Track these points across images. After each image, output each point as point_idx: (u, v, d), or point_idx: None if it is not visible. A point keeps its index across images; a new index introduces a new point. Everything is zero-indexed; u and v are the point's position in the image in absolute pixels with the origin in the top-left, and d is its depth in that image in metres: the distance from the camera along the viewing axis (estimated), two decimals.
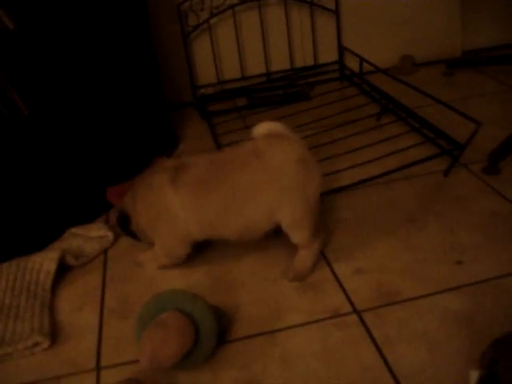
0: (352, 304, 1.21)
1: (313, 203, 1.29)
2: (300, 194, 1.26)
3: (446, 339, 1.09)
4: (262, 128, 1.30)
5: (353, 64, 2.35)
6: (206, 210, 1.28)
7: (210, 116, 2.20)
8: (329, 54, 2.41)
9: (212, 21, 2.27)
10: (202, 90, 2.35)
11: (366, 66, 2.21)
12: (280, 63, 2.39)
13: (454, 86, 2.27)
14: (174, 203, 1.29)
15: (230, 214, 1.28)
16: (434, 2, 2.41)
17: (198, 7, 2.23)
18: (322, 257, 1.37)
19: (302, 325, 1.18)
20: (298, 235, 1.32)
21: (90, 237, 1.53)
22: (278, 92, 2.32)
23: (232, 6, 2.24)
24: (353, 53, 2.29)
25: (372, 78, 2.21)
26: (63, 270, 1.44)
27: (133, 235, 1.45)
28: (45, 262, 1.39)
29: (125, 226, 1.42)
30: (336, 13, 2.34)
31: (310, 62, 2.41)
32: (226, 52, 2.34)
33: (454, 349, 1.07)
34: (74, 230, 1.56)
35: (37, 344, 1.20)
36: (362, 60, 2.21)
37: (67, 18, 1.64)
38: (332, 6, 2.32)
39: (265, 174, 1.25)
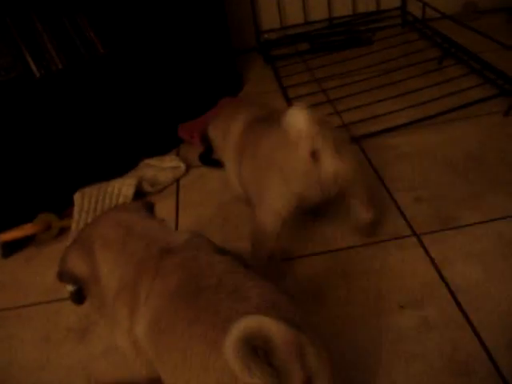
0: (411, 228, 1.29)
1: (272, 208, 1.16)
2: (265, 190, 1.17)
3: (500, 260, 1.16)
4: (292, 118, 1.10)
5: (415, 10, 2.35)
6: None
7: (274, 60, 2.27)
8: (391, 0, 2.42)
9: None
10: (266, 35, 2.41)
11: (429, 13, 2.22)
12: (342, 9, 2.42)
13: None
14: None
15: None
16: None
17: None
18: (383, 186, 1.44)
19: (361, 245, 1.26)
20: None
21: (164, 167, 1.63)
22: (340, 37, 2.36)
23: None
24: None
25: (434, 25, 2.22)
26: (139, 196, 1.55)
27: (210, 161, 1.60)
28: (123, 187, 1.51)
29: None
30: None
31: (372, 7, 2.43)
32: None
33: (507, 268, 1.14)
34: (147, 160, 1.67)
35: None
36: (424, 5, 2.22)
37: None
38: None
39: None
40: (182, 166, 1.63)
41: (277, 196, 1.14)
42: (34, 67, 1.62)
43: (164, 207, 1.51)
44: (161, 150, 1.76)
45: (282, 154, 1.13)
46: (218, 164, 1.58)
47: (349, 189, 1.15)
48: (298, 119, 1.09)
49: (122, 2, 1.70)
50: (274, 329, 0.65)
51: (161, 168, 1.63)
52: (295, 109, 1.09)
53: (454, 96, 1.74)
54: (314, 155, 1.10)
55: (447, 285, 1.12)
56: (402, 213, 1.34)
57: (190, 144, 1.79)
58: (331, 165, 1.10)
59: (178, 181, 1.62)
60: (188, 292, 0.79)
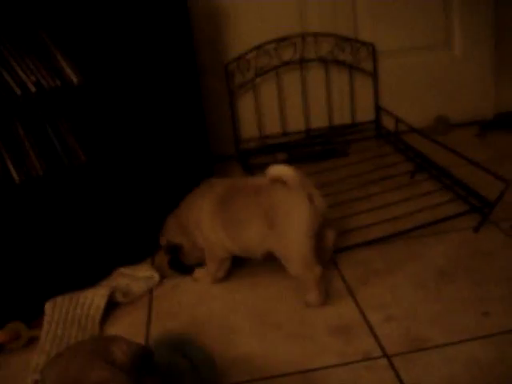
0: (382, 348, 1.29)
1: (299, 239, 1.44)
2: (286, 230, 1.45)
3: None
4: (275, 170, 1.46)
5: (389, 123, 2.45)
6: (223, 225, 1.54)
7: (252, 169, 2.32)
8: (366, 114, 2.53)
9: (256, 80, 2.43)
10: (245, 145, 2.48)
11: (402, 126, 2.32)
12: (319, 121, 2.52)
13: (485, 147, 2.35)
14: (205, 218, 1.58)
15: (234, 233, 1.53)
16: (469, 65, 2.53)
17: (244, 67, 2.38)
18: (355, 304, 1.45)
19: (333, 366, 1.25)
20: (289, 266, 1.48)
21: (137, 276, 1.63)
22: (317, 148, 2.44)
23: (276, 67, 2.40)
24: (389, 113, 2.41)
25: (407, 138, 2.31)
26: (111, 306, 1.54)
27: (180, 267, 1.65)
28: (95, 298, 1.51)
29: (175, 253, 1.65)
30: (374, 75, 2.47)
31: (347, 120, 2.54)
32: (269, 109, 2.48)
33: None
34: (122, 269, 1.67)
35: None
36: (397, 120, 2.32)
37: (125, 75, 1.79)
38: (370, 68, 2.46)
39: (257, 207, 1.48)
40: (156, 276, 1.64)
41: (302, 230, 1.43)
42: (14, 172, 1.65)
43: (136, 318, 1.50)
44: (135, 258, 1.76)
45: (288, 203, 1.44)
46: (188, 269, 1.66)
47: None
48: (284, 170, 1.45)
49: (106, 115, 1.76)
50: None
51: (134, 277, 1.63)
52: (275, 166, 1.47)
53: (425, 211, 1.79)
54: (310, 197, 1.43)
55: None
56: (372, 332, 1.34)
57: None
58: (321, 203, 1.45)
59: (151, 291, 1.62)
60: None
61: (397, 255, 1.64)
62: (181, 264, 1.67)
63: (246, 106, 2.47)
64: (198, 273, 1.65)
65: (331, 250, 1.57)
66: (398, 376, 1.20)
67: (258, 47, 2.36)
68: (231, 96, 2.42)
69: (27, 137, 1.69)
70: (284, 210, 1.44)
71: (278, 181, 1.45)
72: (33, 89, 1.65)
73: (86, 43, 1.73)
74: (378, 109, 2.52)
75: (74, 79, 1.71)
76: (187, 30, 2.01)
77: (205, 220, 1.58)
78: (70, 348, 1.08)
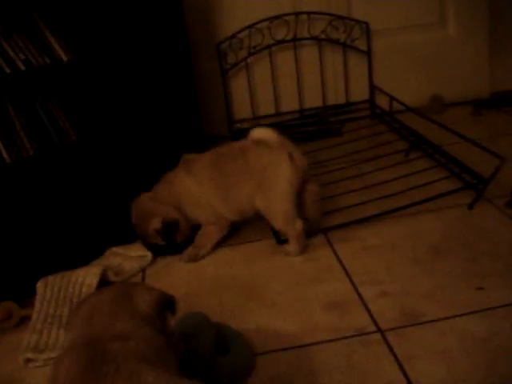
0: (376, 324, 1.28)
1: (281, 196, 1.56)
2: (267, 188, 1.57)
3: (465, 358, 1.15)
4: (257, 133, 1.61)
5: (383, 103, 2.44)
6: (214, 190, 1.62)
7: None
8: (360, 93, 2.51)
9: (249, 59, 2.40)
10: (238, 125, 2.47)
11: (396, 106, 2.31)
12: (313, 101, 2.50)
13: (480, 126, 2.34)
14: (192, 188, 1.65)
15: (228, 196, 1.62)
16: (464, 44, 2.50)
17: (236, 46, 2.36)
18: (349, 280, 1.44)
19: (327, 341, 1.25)
20: (273, 222, 1.61)
21: (130, 256, 1.62)
22: (311, 128, 2.42)
23: (269, 46, 2.38)
24: (383, 92, 2.40)
25: (402, 117, 2.30)
26: (104, 285, 1.53)
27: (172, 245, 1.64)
28: (87, 276, 1.49)
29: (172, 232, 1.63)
30: (368, 54, 2.45)
31: (341, 100, 2.52)
32: (262, 89, 2.46)
33: (472, 367, 1.12)
34: (114, 249, 1.66)
35: None
36: (391, 99, 2.31)
37: (115, 53, 1.77)
38: (364, 47, 2.44)
39: (245, 168, 1.58)
40: (149, 255, 1.63)
41: (283, 187, 1.55)
42: (4, 152, 1.63)
43: None
44: (128, 239, 1.74)
45: (271, 162, 1.56)
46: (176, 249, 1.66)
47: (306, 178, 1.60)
48: (265, 132, 1.60)
49: (98, 94, 1.74)
50: None
51: (127, 257, 1.62)
52: (257, 128, 1.66)
53: (420, 189, 1.78)
54: (291, 156, 1.55)
55: None
56: (366, 307, 1.34)
57: None
58: (302, 161, 1.58)
59: (143, 270, 1.61)
60: None
61: (391, 232, 1.63)
62: (173, 244, 1.65)
63: (238, 86, 2.45)
64: (192, 250, 1.65)
65: (318, 204, 1.65)
66: (391, 350, 1.19)
67: (251, 26, 2.33)
68: (224, 76, 2.39)
69: (17, 116, 1.67)
70: (268, 168, 1.56)
71: (261, 142, 1.58)
72: (22, 67, 1.63)
73: (75, 20, 1.71)
74: (372, 88, 2.50)
75: (64, 57, 1.69)
76: (178, 8, 1.98)
77: (197, 190, 1.63)
78: (94, 295, 1.06)
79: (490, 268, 1.41)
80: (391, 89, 2.40)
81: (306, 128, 2.42)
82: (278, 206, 1.57)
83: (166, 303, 1.04)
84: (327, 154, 2.15)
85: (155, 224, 1.63)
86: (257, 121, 2.47)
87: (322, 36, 2.40)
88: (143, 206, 1.66)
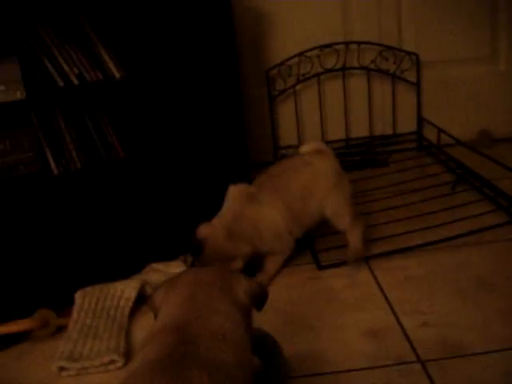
0: (416, 354, 1.24)
1: (348, 197, 1.67)
2: (338, 190, 1.65)
3: None
4: (309, 146, 1.75)
5: (431, 136, 2.41)
6: (288, 212, 1.62)
7: None
8: (408, 125, 2.48)
9: (298, 87, 2.41)
10: (283, 151, 2.46)
11: (444, 140, 2.28)
12: (359, 130, 2.48)
13: None
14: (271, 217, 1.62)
15: (298, 212, 1.63)
16: None
17: (285, 73, 2.37)
18: (390, 308, 1.41)
19: (365, 369, 1.21)
20: (341, 221, 1.65)
21: (169, 272, 1.62)
22: (356, 157, 2.40)
23: (318, 74, 2.38)
24: (432, 124, 2.36)
25: (449, 151, 2.26)
26: (143, 300, 1.53)
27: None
28: (126, 290, 1.50)
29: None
30: (417, 85, 2.43)
31: (388, 131, 2.49)
32: (309, 117, 2.45)
33: None
34: (154, 265, 1.67)
35: (112, 362, 1.30)
36: (440, 131, 2.28)
37: (167, 73, 1.80)
38: (413, 78, 2.42)
39: (314, 177, 1.65)
40: None
41: (349, 187, 1.71)
42: (53, 164, 1.67)
43: None
44: (168, 256, 1.75)
45: (334, 168, 1.71)
46: None
47: None
48: (315, 144, 1.78)
49: (143, 110, 1.76)
50: None
51: (166, 273, 1.61)
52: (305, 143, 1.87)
53: (466, 221, 1.74)
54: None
55: None
56: (407, 337, 1.30)
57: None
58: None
59: None
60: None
61: (435, 263, 1.59)
62: None
63: (285, 113, 2.45)
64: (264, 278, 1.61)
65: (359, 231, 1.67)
66: (432, 381, 1.15)
67: (301, 54, 2.34)
68: (271, 102, 2.40)
69: (68, 129, 1.71)
70: (333, 173, 1.68)
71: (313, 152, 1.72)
72: (75, 81, 1.67)
73: (130, 38, 1.75)
74: (421, 120, 2.47)
75: (117, 74, 1.73)
76: (230, 33, 2.01)
77: (276, 217, 1.62)
78: (191, 274, 1.03)
79: None
80: (439, 122, 2.36)
81: (351, 157, 2.40)
82: (347, 207, 1.66)
83: (260, 297, 1.00)
84: (373, 183, 2.12)
85: (237, 265, 1.58)
86: None
87: (372, 66, 2.39)
88: (219, 245, 1.57)
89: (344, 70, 2.39)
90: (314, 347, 1.30)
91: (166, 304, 0.94)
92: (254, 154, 2.31)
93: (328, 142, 2.40)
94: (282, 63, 2.35)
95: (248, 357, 0.90)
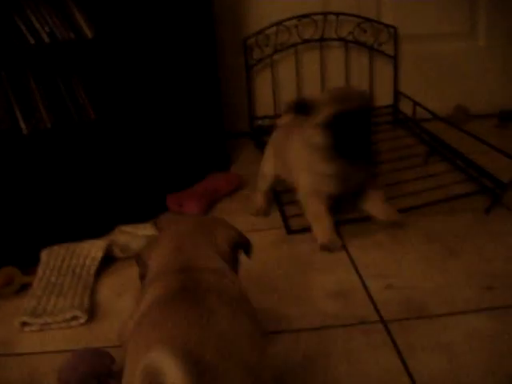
0: (379, 314, 1.25)
1: None
2: None
3: (467, 353, 1.11)
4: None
5: (407, 109, 2.41)
6: None
7: (264, 145, 2.29)
8: (384, 98, 2.48)
9: (275, 57, 2.40)
10: (260, 122, 2.46)
11: (420, 114, 2.28)
12: None
13: (504, 138, 2.29)
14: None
15: None
16: (492, 56, 2.47)
17: (263, 43, 2.36)
18: (356, 272, 1.42)
19: (327, 327, 1.22)
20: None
21: (138, 234, 1.61)
22: None
23: (295, 45, 2.37)
24: (408, 97, 2.37)
25: (425, 125, 2.26)
26: (109, 261, 1.53)
27: None
28: (92, 249, 1.49)
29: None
30: (394, 58, 2.43)
31: None
32: (286, 87, 2.45)
33: (474, 362, 1.09)
34: (123, 227, 1.65)
35: (74, 318, 1.29)
36: (415, 104, 2.28)
37: (140, 35, 1.77)
38: (391, 51, 2.42)
39: None
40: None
41: None
42: (22, 123, 1.64)
43: (131, 273, 1.47)
44: (140, 218, 1.74)
45: None
46: None
47: None
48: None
49: (116, 71, 1.74)
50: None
51: (134, 235, 1.61)
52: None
53: (436, 190, 1.75)
54: None
55: (410, 374, 1.07)
56: (371, 298, 1.30)
57: (178, 213, 1.81)
58: None
59: None
60: None
61: (404, 230, 1.60)
62: None
63: (262, 83, 2.44)
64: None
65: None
66: (392, 340, 1.16)
67: (279, 23, 2.32)
68: (248, 71, 2.39)
69: (38, 89, 1.68)
70: None
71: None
72: (46, 39, 1.64)
73: None
74: (397, 93, 2.47)
75: (89, 33, 1.70)
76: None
77: None
78: (174, 226, 1.01)
79: (502, 269, 1.38)
80: (416, 96, 2.36)
81: None
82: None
83: (242, 245, 1.01)
84: None
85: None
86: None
87: (350, 38, 2.38)
88: None
89: (322, 41, 2.39)
90: (278, 307, 1.30)
91: (155, 257, 0.94)
92: (230, 124, 2.31)
93: None
94: (259, 32, 2.34)
95: (246, 293, 0.91)
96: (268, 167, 1.78)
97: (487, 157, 1.82)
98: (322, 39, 2.38)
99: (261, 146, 2.28)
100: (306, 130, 1.50)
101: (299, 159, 1.58)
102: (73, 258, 1.47)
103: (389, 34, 2.40)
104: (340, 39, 2.39)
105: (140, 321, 0.79)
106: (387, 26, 2.39)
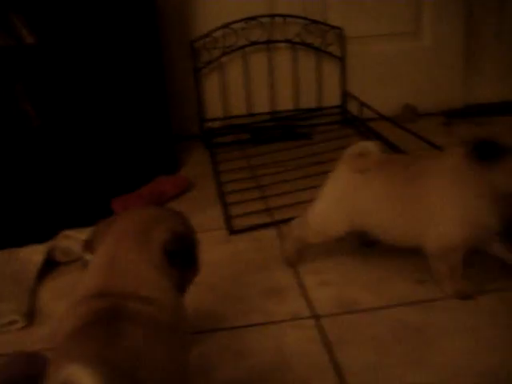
0: (312, 310, 1.28)
1: None
2: None
3: (395, 345, 1.14)
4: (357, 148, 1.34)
5: (355, 110, 2.45)
6: None
7: (214, 147, 2.32)
8: (332, 98, 2.52)
9: (223, 59, 2.42)
10: (210, 124, 2.48)
11: (368, 113, 2.33)
12: (285, 103, 2.52)
13: (450, 136, 2.34)
14: None
15: None
16: (438, 55, 2.53)
17: (210, 45, 2.38)
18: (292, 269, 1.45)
19: (260, 324, 1.25)
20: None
21: (81, 239, 1.62)
22: (280, 130, 2.45)
23: (243, 47, 2.40)
24: (355, 98, 2.41)
25: (373, 125, 2.31)
26: (52, 266, 1.54)
27: None
28: (33, 254, 1.49)
29: None
30: (341, 60, 2.47)
31: (313, 104, 2.53)
32: (234, 89, 2.47)
33: (402, 354, 1.12)
34: (67, 232, 1.66)
35: (13, 322, 1.29)
36: (362, 104, 2.33)
37: (82, 40, 1.78)
38: (338, 53, 2.46)
39: None
40: None
41: None
42: None
43: (73, 278, 1.49)
44: (85, 223, 1.74)
45: None
46: None
47: None
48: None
49: (58, 77, 1.75)
50: None
51: (77, 239, 1.61)
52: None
53: None
54: None
55: (337, 366, 1.10)
56: (305, 295, 1.33)
57: None
58: None
59: None
60: None
61: None
62: None
63: (211, 85, 2.47)
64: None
65: None
66: (323, 335, 1.19)
67: (226, 26, 2.35)
68: (196, 74, 2.41)
69: None
70: None
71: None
72: None
73: (42, 3, 1.72)
74: (345, 94, 2.52)
75: (29, 39, 1.70)
76: (151, 3, 2.00)
77: None
78: (120, 220, 0.97)
79: None
80: (364, 96, 2.41)
81: (275, 130, 2.43)
82: None
83: (179, 254, 0.93)
84: (293, 154, 2.16)
85: None
86: (228, 121, 2.48)
87: (297, 39, 2.42)
88: None
89: (269, 43, 2.42)
90: (214, 306, 1.33)
91: (91, 266, 0.92)
92: (180, 127, 2.33)
93: (254, 115, 2.44)
94: (207, 35, 2.36)
95: (181, 317, 0.90)
96: (326, 215, 1.39)
97: None
98: (269, 41, 2.41)
99: (210, 147, 2.32)
100: (495, 178, 1.20)
101: (451, 208, 1.24)
102: (13, 263, 1.48)
103: (335, 35, 2.44)
104: (287, 41, 2.42)
105: (61, 340, 0.81)
106: (333, 27, 2.43)
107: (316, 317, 1.25)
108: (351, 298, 1.31)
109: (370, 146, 1.34)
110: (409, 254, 1.45)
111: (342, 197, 1.36)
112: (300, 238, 1.43)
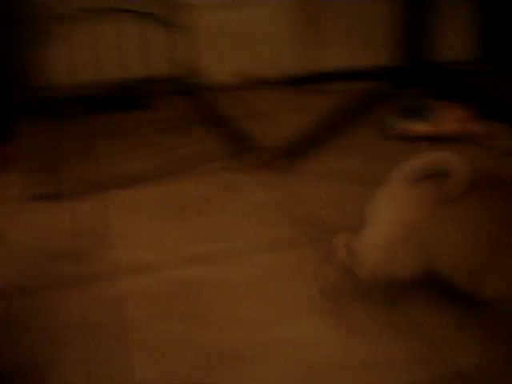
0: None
1: None
2: None
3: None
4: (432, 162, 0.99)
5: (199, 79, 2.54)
6: None
7: (44, 119, 2.32)
8: (167, 67, 2.56)
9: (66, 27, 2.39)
10: (40, 94, 2.44)
11: (208, 82, 2.45)
12: (115, 73, 2.51)
13: (291, 101, 2.52)
14: None
15: None
16: (281, 23, 2.66)
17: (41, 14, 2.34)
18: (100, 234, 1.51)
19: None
20: None
21: None
22: (115, 100, 2.49)
23: (87, 16, 2.39)
24: (191, 67, 2.51)
25: (209, 94, 2.43)
26: None
27: None
28: None
29: None
30: (183, 29, 2.52)
31: (155, 73, 2.55)
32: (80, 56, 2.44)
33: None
34: None
35: None
36: (199, 74, 2.46)
37: None
38: (182, 22, 2.51)
39: None
40: None
41: None
42: None
43: None
44: None
45: None
46: None
47: None
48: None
49: None
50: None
51: None
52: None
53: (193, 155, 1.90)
54: None
55: None
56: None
57: None
58: None
59: None
60: None
61: (157, 192, 1.72)
62: None
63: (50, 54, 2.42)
64: None
65: None
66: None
67: None
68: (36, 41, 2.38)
69: None
70: None
71: None
72: None
73: None
74: (183, 63, 2.57)
75: None
76: None
77: None
78: None
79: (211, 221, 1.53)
80: (205, 65, 2.51)
81: (107, 101, 2.47)
82: None
83: None
84: (125, 126, 2.24)
85: None
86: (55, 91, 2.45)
87: (142, 9, 2.43)
88: None
89: (113, 12, 2.41)
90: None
91: None
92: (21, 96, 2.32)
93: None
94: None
95: None
96: (384, 257, 1.04)
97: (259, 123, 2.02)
98: (112, 9, 2.40)
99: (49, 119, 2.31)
100: None
101: None
102: None
103: (178, 3, 2.48)
104: (131, 10, 2.43)
105: None
106: None
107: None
108: (139, 258, 1.37)
109: (454, 160, 0.96)
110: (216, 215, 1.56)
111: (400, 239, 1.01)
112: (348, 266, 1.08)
